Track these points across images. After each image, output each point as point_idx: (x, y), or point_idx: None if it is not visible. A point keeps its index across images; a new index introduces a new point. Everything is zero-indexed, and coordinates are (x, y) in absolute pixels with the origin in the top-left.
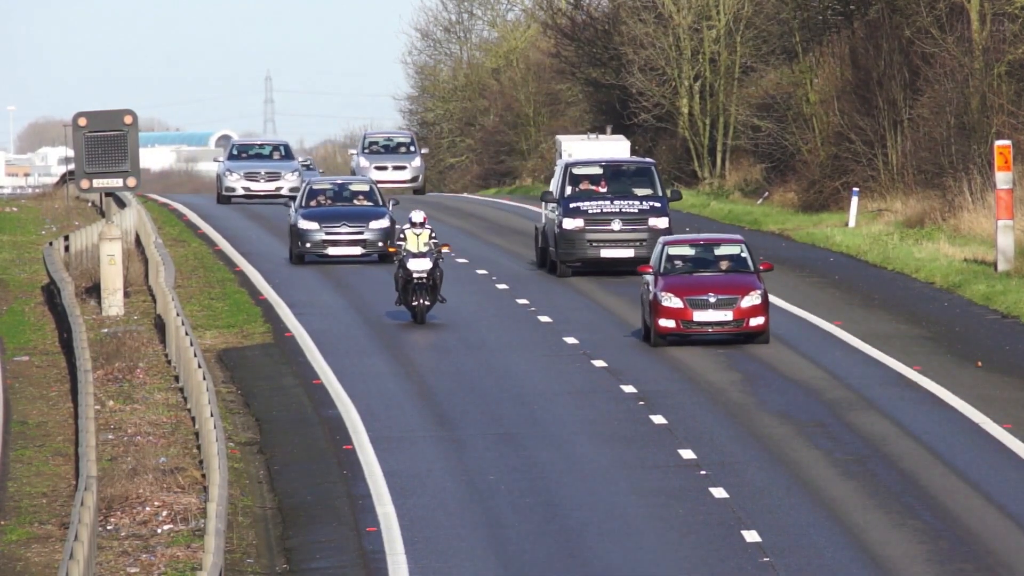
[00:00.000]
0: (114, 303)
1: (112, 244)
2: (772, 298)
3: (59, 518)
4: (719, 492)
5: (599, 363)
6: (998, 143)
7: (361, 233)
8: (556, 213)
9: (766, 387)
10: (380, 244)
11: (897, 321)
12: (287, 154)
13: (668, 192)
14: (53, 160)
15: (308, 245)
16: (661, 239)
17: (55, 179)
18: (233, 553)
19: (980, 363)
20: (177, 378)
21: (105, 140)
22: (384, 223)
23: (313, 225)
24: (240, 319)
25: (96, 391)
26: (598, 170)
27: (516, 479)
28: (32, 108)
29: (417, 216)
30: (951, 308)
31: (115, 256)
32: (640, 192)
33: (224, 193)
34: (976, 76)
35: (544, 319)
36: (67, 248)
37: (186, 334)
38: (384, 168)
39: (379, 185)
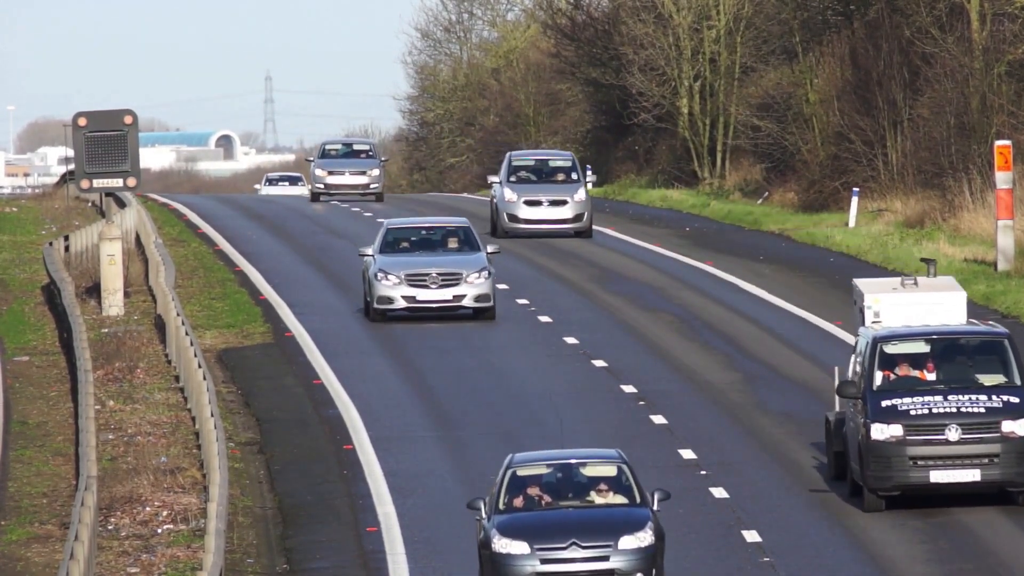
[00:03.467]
0: (114, 303)
1: (112, 244)
2: (772, 298)
3: (59, 518)
4: (719, 492)
5: (599, 363)
6: (998, 143)
7: None
8: (860, 413)
9: (766, 387)
10: None
11: None
12: (468, 240)
13: None
14: (53, 160)
15: None
16: None
17: (55, 179)
18: (233, 553)
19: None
20: (177, 378)
21: (105, 140)
22: None
23: None
24: (240, 319)
25: (96, 391)
26: (923, 346)
27: None
28: (32, 108)
29: None
30: None
31: (115, 256)
32: (988, 379)
33: (377, 306)
34: (976, 76)
35: (544, 319)
36: (67, 248)
37: (186, 334)
38: (537, 203)
39: (533, 227)
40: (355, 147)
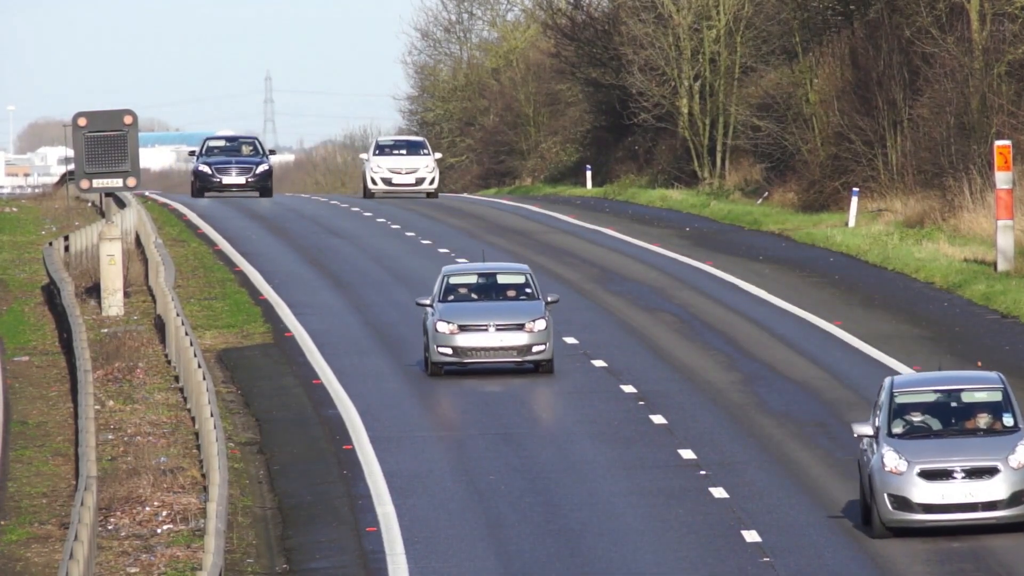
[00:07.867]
0: (114, 303)
1: (112, 244)
2: (772, 298)
3: (59, 518)
4: (719, 492)
5: (599, 363)
6: (998, 143)
7: None
8: None
9: (766, 387)
10: None
11: (897, 321)
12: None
13: None
14: (53, 160)
15: None
16: None
17: (55, 179)
18: (233, 553)
19: (980, 363)
20: (177, 378)
21: (105, 140)
22: None
23: None
24: (240, 319)
25: (96, 391)
26: None
27: (516, 479)
28: (32, 108)
29: None
30: (951, 308)
31: (115, 256)
32: None
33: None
34: (976, 76)
35: None
36: (67, 248)
37: (186, 334)
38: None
39: None
40: (497, 279)
